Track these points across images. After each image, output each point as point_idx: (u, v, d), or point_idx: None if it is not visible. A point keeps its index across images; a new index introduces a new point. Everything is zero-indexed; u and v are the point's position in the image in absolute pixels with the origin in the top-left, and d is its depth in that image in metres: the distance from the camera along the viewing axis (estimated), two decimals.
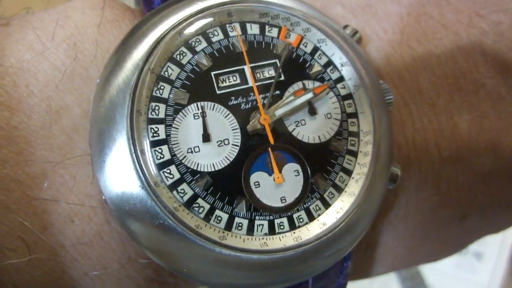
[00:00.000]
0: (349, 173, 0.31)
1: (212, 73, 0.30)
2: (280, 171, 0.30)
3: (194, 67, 0.29)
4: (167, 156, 0.28)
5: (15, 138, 0.28)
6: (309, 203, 0.30)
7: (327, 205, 0.30)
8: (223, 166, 0.29)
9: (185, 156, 0.28)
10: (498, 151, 0.35)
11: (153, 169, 0.28)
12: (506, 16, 0.35)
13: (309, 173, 0.30)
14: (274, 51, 0.31)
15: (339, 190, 0.31)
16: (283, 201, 0.30)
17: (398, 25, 0.35)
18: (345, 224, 0.30)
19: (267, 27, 0.31)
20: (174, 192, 0.28)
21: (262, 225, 0.29)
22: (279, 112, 0.30)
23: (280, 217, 0.29)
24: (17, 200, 0.27)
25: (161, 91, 0.29)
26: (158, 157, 0.28)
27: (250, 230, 0.29)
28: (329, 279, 0.33)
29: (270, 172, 0.30)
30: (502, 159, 0.35)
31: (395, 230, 0.36)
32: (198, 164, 0.28)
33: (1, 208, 0.27)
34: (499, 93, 0.35)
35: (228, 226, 0.28)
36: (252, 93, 0.30)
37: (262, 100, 0.30)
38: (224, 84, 0.30)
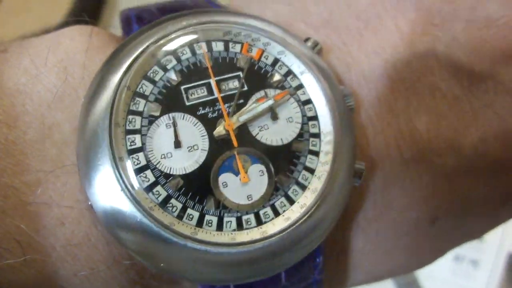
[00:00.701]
0: (311, 171, 0.34)
1: (182, 87, 0.33)
2: (246, 172, 0.33)
3: (166, 83, 0.33)
4: (143, 162, 0.32)
5: (13, 151, 0.32)
6: (274, 200, 0.33)
7: (291, 201, 0.33)
8: (193, 169, 0.32)
9: (159, 162, 0.32)
10: (459, 150, 0.37)
11: (131, 174, 0.31)
12: (458, 24, 0.38)
13: (273, 172, 0.33)
14: (238, 65, 0.35)
15: (303, 187, 0.34)
16: (249, 198, 0.33)
17: (356, 38, 0.38)
18: (309, 218, 0.33)
19: (230, 43, 0.35)
20: (150, 193, 0.31)
21: (231, 221, 0.32)
22: (243, 118, 0.33)
23: (247, 213, 0.33)
24: (13, 205, 0.31)
25: (137, 105, 0.33)
26: (135, 163, 0.32)
27: (220, 227, 0.32)
28: (303, 274, 0.36)
29: (236, 173, 0.33)
30: (464, 158, 0.37)
31: (366, 234, 0.38)
32: (170, 168, 0.32)
33: None
34: (454, 95, 0.37)
35: (199, 223, 0.32)
36: (218, 103, 0.34)
37: (227, 108, 0.34)
38: (193, 97, 0.33)
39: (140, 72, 0.33)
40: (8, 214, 0.31)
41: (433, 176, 0.37)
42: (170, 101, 0.33)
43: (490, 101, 0.37)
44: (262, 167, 0.33)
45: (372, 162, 0.36)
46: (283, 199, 0.33)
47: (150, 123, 0.32)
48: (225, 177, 0.33)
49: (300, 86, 0.35)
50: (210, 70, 0.34)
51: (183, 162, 0.32)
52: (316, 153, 0.34)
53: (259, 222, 0.33)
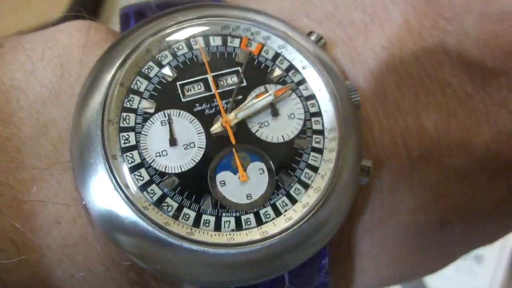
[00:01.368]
0: (315, 169, 0.32)
1: (178, 83, 0.32)
2: (244, 170, 0.31)
3: (161, 79, 0.32)
4: (138, 160, 0.31)
5: (7, 148, 0.31)
6: (275, 199, 0.31)
7: (293, 201, 0.31)
8: (189, 167, 0.31)
9: (153, 160, 0.31)
10: (470, 150, 0.35)
11: (124, 172, 0.30)
12: (470, 17, 0.36)
13: (274, 170, 0.32)
14: (236, 60, 0.33)
15: (306, 186, 0.32)
16: (249, 198, 0.31)
17: (362, 32, 0.36)
18: (312, 218, 0.31)
19: (229, 38, 0.34)
20: (145, 193, 0.30)
21: (229, 221, 0.31)
22: (241, 114, 0.32)
23: (247, 213, 0.31)
24: (8, 203, 0.30)
25: (131, 102, 0.32)
26: (129, 161, 0.30)
27: (218, 227, 0.30)
28: (308, 276, 0.34)
29: (235, 171, 0.31)
30: (475, 158, 0.35)
31: (372, 237, 0.36)
32: (166, 166, 0.31)
33: None
34: (466, 92, 0.35)
35: (196, 223, 0.30)
36: (215, 99, 0.32)
37: (225, 105, 0.32)
38: (189, 93, 0.32)
39: (134, 68, 0.32)
40: (2, 212, 0.30)
41: (443, 177, 0.35)
42: (166, 97, 0.32)
43: (504, 99, 0.35)
44: (262, 165, 0.32)
45: (378, 161, 0.34)
46: (284, 198, 0.31)
47: (145, 120, 0.31)
48: (223, 176, 0.31)
49: (303, 81, 0.34)
50: (206, 65, 0.33)
51: (179, 160, 0.31)
52: (319, 151, 0.32)
53: (259, 222, 0.31)
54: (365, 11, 0.37)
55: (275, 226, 0.31)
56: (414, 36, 0.36)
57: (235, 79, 0.33)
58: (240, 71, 0.33)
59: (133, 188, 0.30)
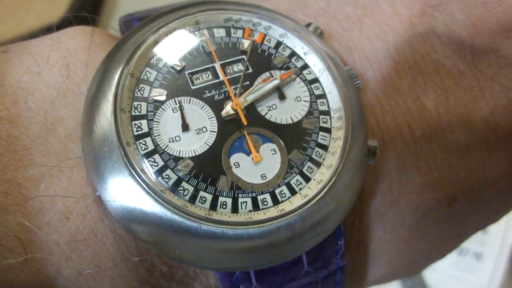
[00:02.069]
0: (325, 148, 0.33)
1: (186, 72, 0.33)
2: (257, 151, 0.32)
3: (170, 69, 0.33)
4: (151, 146, 0.31)
5: (15, 147, 0.31)
6: (289, 178, 0.32)
7: (307, 179, 0.32)
8: (203, 151, 0.31)
9: (167, 145, 0.31)
10: (470, 124, 0.36)
11: (139, 158, 0.30)
12: (455, 3, 0.38)
13: (286, 150, 0.32)
14: (241, 49, 0.35)
15: (317, 164, 0.32)
16: (263, 178, 0.31)
17: (356, 24, 0.38)
18: (327, 194, 0.31)
19: (232, 29, 0.35)
20: (159, 178, 0.30)
21: (246, 202, 0.31)
22: (250, 97, 0.33)
23: (263, 193, 0.31)
24: (15, 201, 0.30)
25: (142, 91, 0.32)
26: (143, 148, 0.31)
27: (235, 208, 0.30)
28: (325, 259, 0.34)
29: (248, 153, 0.32)
30: (475, 132, 0.36)
31: (384, 221, 0.37)
32: (179, 151, 0.31)
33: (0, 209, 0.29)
34: (459, 70, 0.37)
35: (213, 206, 0.30)
36: (223, 86, 0.33)
37: (233, 90, 0.33)
38: (198, 81, 0.33)
39: (144, 60, 0.33)
40: (9, 210, 0.29)
41: (447, 153, 0.36)
42: (175, 86, 0.33)
43: (495, 74, 0.37)
44: (274, 146, 0.32)
45: (383, 143, 0.36)
46: (298, 177, 0.32)
47: (156, 108, 0.32)
48: (236, 158, 0.32)
49: (305, 66, 0.35)
50: (214, 54, 0.34)
51: (192, 145, 0.31)
52: (327, 130, 0.33)
53: (276, 202, 0.31)
54: (356, 6, 0.39)
55: (292, 204, 0.31)
56: (405, 24, 0.38)
57: (241, 67, 0.34)
58: (245, 58, 0.34)
59: (149, 173, 0.30)
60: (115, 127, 0.30)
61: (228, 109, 0.32)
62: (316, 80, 0.35)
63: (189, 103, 0.32)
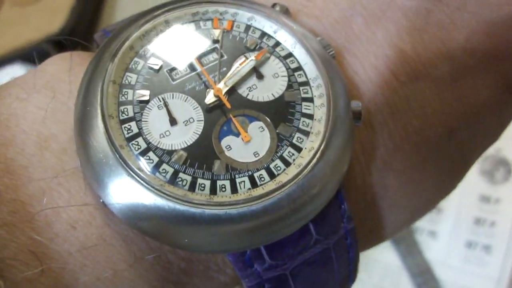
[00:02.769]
0: (310, 117, 0.34)
1: (165, 70, 0.34)
2: (246, 131, 0.33)
3: (148, 70, 0.34)
4: (144, 145, 0.32)
5: (13, 167, 0.32)
6: (281, 151, 0.33)
7: (299, 149, 0.33)
8: (194, 140, 0.32)
9: (159, 141, 0.32)
10: (449, 56, 0.38)
11: (134, 158, 0.31)
12: None
13: (272, 125, 0.33)
14: (213, 38, 0.36)
15: (306, 133, 0.33)
16: (256, 155, 0.32)
17: None
18: (320, 159, 0.32)
19: (201, 22, 0.36)
20: (157, 173, 0.31)
21: (244, 181, 0.32)
22: (230, 81, 0.34)
23: (258, 170, 0.32)
24: (22, 218, 0.31)
25: (125, 96, 0.33)
26: (136, 148, 0.32)
27: (234, 189, 0.31)
28: (332, 224, 0.35)
29: (237, 134, 0.33)
30: (457, 62, 0.38)
31: (393, 168, 0.38)
32: (171, 144, 0.32)
33: (9, 227, 0.30)
34: (426, 9, 0.38)
35: (213, 191, 0.31)
36: (202, 76, 0.34)
37: (213, 78, 0.34)
38: (177, 76, 0.34)
39: (122, 66, 0.34)
40: (18, 227, 0.30)
41: (436, 88, 0.38)
42: (157, 84, 0.34)
43: (461, 4, 0.39)
44: (261, 124, 0.33)
45: (372, 96, 0.37)
46: (290, 149, 0.33)
47: (142, 108, 0.33)
48: (227, 141, 0.33)
49: (277, 44, 0.36)
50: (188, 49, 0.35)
51: (183, 136, 0.32)
52: (310, 99, 0.34)
53: (272, 176, 0.32)
54: None
55: (288, 175, 0.32)
56: None
57: (215, 56, 0.35)
58: (218, 47, 0.35)
59: (146, 170, 0.31)
60: (106, 133, 0.31)
61: (210, 96, 0.33)
62: (290, 54, 0.36)
63: (173, 98, 0.33)
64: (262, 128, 0.33)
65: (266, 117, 0.33)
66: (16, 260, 0.30)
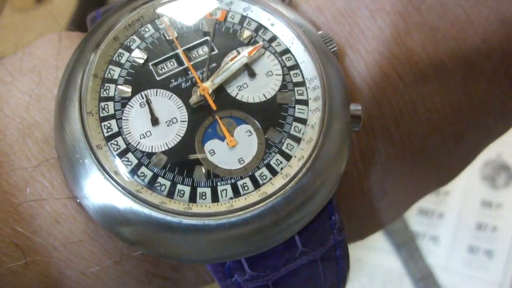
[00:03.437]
0: (303, 121, 0.31)
1: (150, 63, 0.32)
2: (232, 135, 0.31)
3: (132, 63, 0.32)
4: (123, 146, 0.30)
5: None
6: (269, 159, 0.30)
7: (288, 157, 0.30)
8: (175, 143, 0.30)
9: (139, 142, 0.30)
10: (464, 58, 0.34)
11: (112, 160, 0.30)
12: None
13: (261, 130, 0.31)
14: (204, 30, 0.33)
15: (297, 140, 0.31)
16: (241, 162, 0.30)
17: None
18: (310, 170, 0.30)
19: None
20: (135, 176, 0.29)
21: (226, 189, 0.30)
22: (217, 80, 0.31)
23: (242, 178, 0.30)
24: (4, 208, 0.30)
25: (107, 91, 0.31)
26: (115, 149, 0.30)
27: (215, 198, 0.29)
28: (320, 236, 0.32)
29: (222, 138, 0.31)
30: (470, 64, 0.34)
31: (394, 174, 0.36)
32: (151, 146, 0.30)
33: None
34: (440, 3, 0.34)
35: (192, 198, 0.29)
36: (189, 72, 0.32)
37: (200, 75, 0.32)
38: (163, 71, 0.32)
39: (105, 58, 0.32)
40: (1, 218, 0.30)
41: (445, 92, 0.34)
42: (140, 80, 0.32)
43: None
44: (249, 127, 0.31)
45: (375, 99, 0.34)
46: (278, 156, 0.30)
47: (124, 105, 0.31)
48: (211, 145, 0.30)
49: (274, 38, 0.33)
50: (175, 41, 0.32)
51: (164, 138, 0.30)
52: (304, 102, 0.32)
53: (257, 185, 0.30)
54: None
55: (274, 185, 0.30)
56: None
57: (206, 49, 0.32)
58: (209, 39, 0.33)
59: (124, 174, 0.29)
60: (83, 132, 0.30)
61: (195, 96, 0.31)
62: (287, 51, 0.33)
63: (156, 95, 0.31)
64: (250, 132, 0.31)
65: (255, 120, 0.31)
66: (0, 251, 0.29)
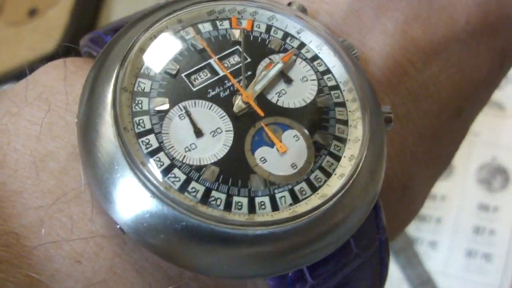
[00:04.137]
0: (345, 123, 0.31)
1: (182, 75, 0.30)
2: (280, 141, 0.29)
3: (164, 75, 0.30)
4: (167, 161, 0.27)
5: (5, 193, 0.27)
6: (320, 161, 0.30)
7: (337, 158, 0.30)
8: (225, 153, 0.28)
9: (184, 156, 0.28)
10: (456, 38, 0.39)
11: (158, 177, 0.27)
12: None
13: (308, 133, 0.30)
14: (233, 39, 0.32)
15: (343, 140, 0.30)
16: (294, 167, 0.29)
17: None
18: (362, 169, 0.29)
19: (217, 22, 0.32)
20: (186, 193, 0.27)
21: (284, 196, 0.28)
22: (258, 86, 0.30)
23: (298, 183, 0.29)
24: (18, 253, 0.26)
25: (140, 105, 0.29)
26: (159, 166, 0.27)
27: (275, 206, 0.28)
28: (369, 236, 0.32)
29: (271, 145, 0.29)
30: (462, 43, 0.39)
31: (417, 157, 0.38)
32: (200, 159, 0.28)
33: (3, 265, 0.25)
34: None
35: (252, 209, 0.27)
36: (226, 80, 0.30)
37: (238, 83, 0.30)
38: (197, 81, 0.30)
39: (133, 71, 0.29)
40: (14, 264, 0.25)
41: (447, 71, 0.38)
42: (175, 91, 0.29)
43: None
44: (295, 132, 0.30)
45: (392, 86, 0.36)
46: (328, 158, 0.30)
47: (161, 119, 0.28)
48: (261, 152, 0.29)
49: (302, 45, 0.33)
50: (208, 49, 0.31)
51: (212, 149, 0.28)
52: (342, 104, 0.32)
53: (314, 188, 0.29)
54: None
55: (331, 187, 0.29)
56: None
57: (237, 58, 0.32)
58: (240, 49, 0.32)
59: (173, 190, 0.27)
60: (124, 148, 0.26)
61: (239, 103, 0.30)
62: (316, 57, 0.33)
63: (195, 106, 0.29)
64: (297, 137, 0.30)
65: (300, 125, 0.30)
66: None
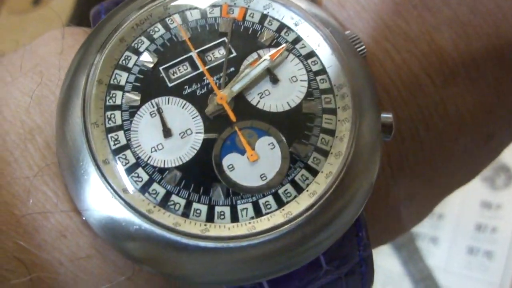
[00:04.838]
0: (331, 133, 0.28)
1: (160, 68, 0.29)
2: (253, 148, 0.28)
3: (141, 67, 0.29)
4: (132, 160, 0.27)
5: None
6: (293, 175, 0.27)
7: (314, 172, 0.28)
8: (190, 157, 0.27)
9: (149, 156, 0.27)
10: (497, 55, 0.31)
11: (120, 176, 0.27)
12: None
13: (285, 142, 0.28)
14: (220, 30, 0.30)
15: (324, 153, 0.28)
16: (263, 178, 0.27)
17: None
18: (339, 187, 0.27)
19: (207, 9, 0.30)
20: (146, 194, 0.27)
21: (246, 208, 0.27)
22: (236, 87, 0.28)
23: (264, 196, 0.27)
24: (6, 221, 0.27)
25: (113, 99, 0.28)
26: (124, 163, 0.27)
27: (235, 217, 0.27)
28: (346, 254, 0.30)
29: (242, 152, 0.28)
30: (504, 62, 0.32)
31: (422, 179, 0.34)
32: (164, 161, 0.27)
33: None
34: None
35: (210, 218, 0.27)
36: (205, 77, 0.29)
37: (217, 81, 0.29)
38: (175, 76, 0.29)
39: (110, 62, 0.29)
40: (3, 231, 0.27)
41: (477, 93, 0.32)
42: (150, 86, 0.28)
43: None
44: (271, 139, 0.28)
45: (402, 100, 0.31)
46: (303, 172, 0.28)
47: (132, 115, 0.28)
48: (230, 159, 0.27)
49: (298, 39, 0.30)
50: (188, 43, 0.29)
51: (178, 151, 0.27)
52: (332, 111, 0.29)
53: (281, 203, 0.27)
54: None
55: (299, 204, 0.27)
56: None
57: (222, 51, 0.29)
58: (226, 41, 0.29)
59: (133, 191, 0.27)
60: (88, 146, 0.27)
61: (212, 105, 0.28)
62: (312, 54, 0.29)
63: (168, 103, 0.28)
64: (273, 144, 0.28)
65: (279, 132, 0.28)
66: (2, 268, 0.27)
